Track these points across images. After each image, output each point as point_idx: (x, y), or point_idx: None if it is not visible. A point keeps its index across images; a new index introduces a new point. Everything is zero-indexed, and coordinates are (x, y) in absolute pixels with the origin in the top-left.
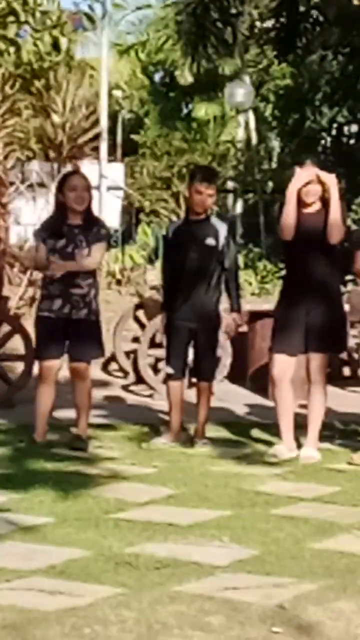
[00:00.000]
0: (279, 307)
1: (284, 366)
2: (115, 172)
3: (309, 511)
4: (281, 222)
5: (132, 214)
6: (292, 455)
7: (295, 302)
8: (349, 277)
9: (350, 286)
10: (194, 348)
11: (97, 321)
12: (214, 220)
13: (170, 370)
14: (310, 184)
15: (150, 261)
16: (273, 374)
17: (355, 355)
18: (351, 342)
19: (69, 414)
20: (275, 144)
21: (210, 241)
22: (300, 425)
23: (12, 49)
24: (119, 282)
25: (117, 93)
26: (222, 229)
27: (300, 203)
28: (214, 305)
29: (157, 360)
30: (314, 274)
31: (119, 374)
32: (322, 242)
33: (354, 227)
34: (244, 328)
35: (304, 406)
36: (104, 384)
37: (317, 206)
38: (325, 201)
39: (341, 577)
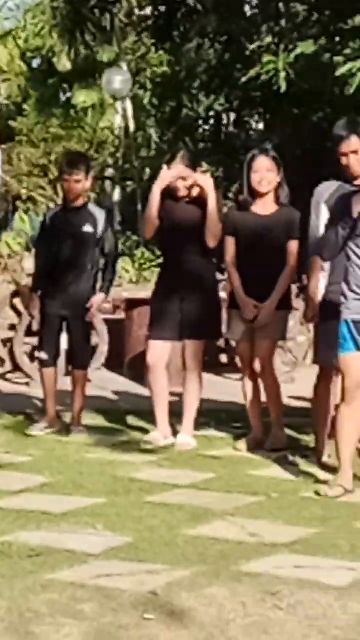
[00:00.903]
0: (155, 295)
1: (159, 353)
2: None
3: (184, 498)
4: (145, 217)
5: (8, 201)
6: (168, 443)
7: (171, 290)
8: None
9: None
10: (68, 336)
11: None
12: (92, 207)
13: (44, 357)
14: (180, 180)
15: (28, 249)
16: (148, 361)
17: (232, 343)
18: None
19: None
20: (154, 131)
21: (87, 228)
22: (177, 412)
23: None
24: None
25: None
26: (101, 216)
27: (175, 192)
28: (88, 294)
29: (34, 348)
30: (188, 262)
31: None
32: (197, 231)
33: None
34: (121, 315)
35: (180, 394)
36: None
37: (190, 197)
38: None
39: (214, 563)
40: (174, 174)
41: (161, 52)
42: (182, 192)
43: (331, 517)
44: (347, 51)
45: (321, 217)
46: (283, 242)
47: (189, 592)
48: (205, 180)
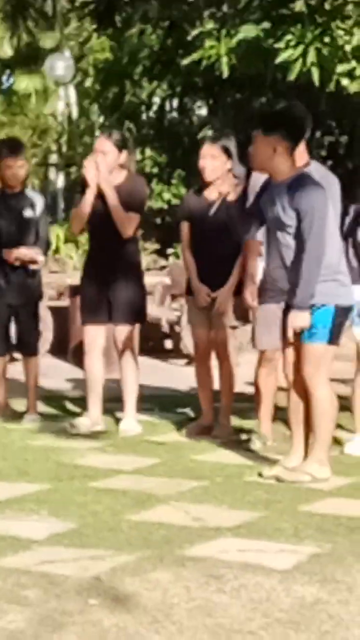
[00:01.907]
0: (83, 280)
1: (93, 336)
2: None
3: (128, 483)
4: (74, 217)
5: None
6: (98, 428)
7: (98, 275)
8: (170, 251)
9: (171, 260)
10: (16, 323)
11: None
12: (29, 191)
13: None
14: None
15: None
16: (85, 345)
17: (177, 328)
18: (172, 315)
19: None
20: (97, 117)
21: (28, 213)
22: (117, 398)
23: None
24: None
25: None
26: (39, 200)
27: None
28: (33, 280)
29: None
30: (114, 248)
31: None
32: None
33: (175, 201)
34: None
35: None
36: None
37: (116, 180)
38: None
39: (158, 547)
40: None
41: (103, 37)
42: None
43: (275, 500)
44: (288, 37)
45: None
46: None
47: (132, 577)
48: (105, 186)
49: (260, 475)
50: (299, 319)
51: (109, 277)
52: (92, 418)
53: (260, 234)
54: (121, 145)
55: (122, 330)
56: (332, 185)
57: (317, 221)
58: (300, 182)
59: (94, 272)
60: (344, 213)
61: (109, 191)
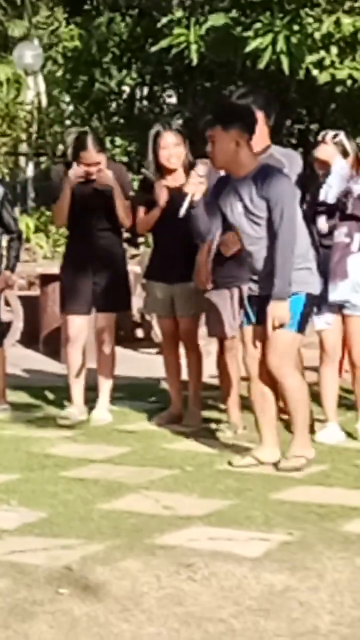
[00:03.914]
0: (64, 269)
1: (78, 327)
2: None
3: (99, 472)
4: (54, 213)
5: None
6: (83, 418)
7: (81, 264)
8: (140, 240)
9: (142, 248)
10: None
11: None
12: None
13: None
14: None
15: None
16: (69, 335)
17: (148, 317)
18: (143, 304)
19: None
20: (67, 106)
21: None
22: (91, 387)
23: None
24: None
25: None
26: None
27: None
28: None
29: None
30: (97, 236)
31: None
32: (105, 205)
33: None
34: (37, 291)
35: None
36: None
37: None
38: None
39: (128, 536)
40: (80, 173)
41: (72, 26)
42: (92, 176)
43: (246, 488)
44: (258, 25)
45: None
46: None
47: (103, 565)
48: (106, 179)
49: (230, 464)
50: (279, 309)
51: (91, 265)
52: (79, 408)
53: None
54: (101, 148)
55: (104, 318)
56: (293, 159)
57: (288, 210)
58: (264, 172)
59: (76, 262)
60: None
61: (115, 184)
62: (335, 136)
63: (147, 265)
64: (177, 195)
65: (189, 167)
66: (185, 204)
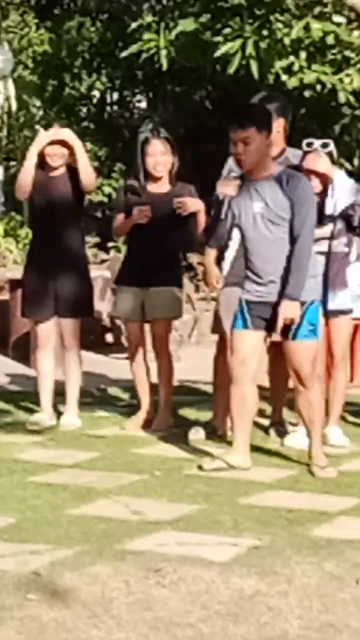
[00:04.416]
0: (27, 273)
1: (48, 333)
2: None
3: (68, 478)
4: (17, 181)
5: None
6: (53, 423)
7: (44, 268)
8: (110, 245)
9: (112, 253)
10: None
11: None
12: None
13: None
14: (53, 145)
15: None
16: (38, 340)
17: (118, 322)
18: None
19: None
20: (37, 111)
21: None
22: (60, 392)
23: None
24: None
25: None
26: None
27: (47, 167)
28: None
29: None
30: (61, 239)
31: None
32: (68, 207)
33: (115, 195)
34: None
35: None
36: None
37: (62, 170)
38: (71, 166)
39: (97, 541)
40: (51, 134)
41: (43, 30)
42: (56, 162)
43: (215, 493)
44: (227, 30)
45: None
46: (181, 219)
47: (72, 571)
48: (72, 137)
49: (200, 467)
50: (290, 309)
51: (54, 270)
52: (48, 413)
53: None
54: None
55: (67, 324)
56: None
57: (312, 213)
58: (288, 174)
59: (38, 265)
60: None
61: (78, 146)
62: (325, 145)
63: (120, 269)
64: (159, 201)
65: (175, 177)
66: (225, 206)
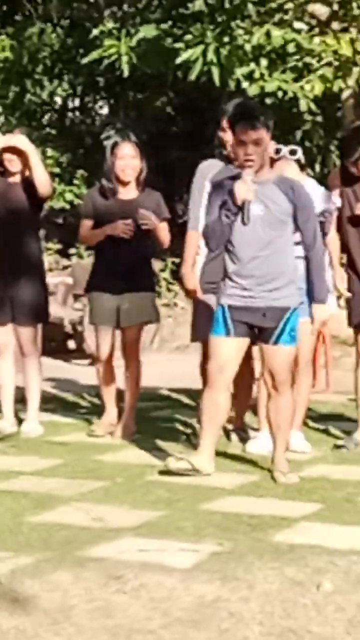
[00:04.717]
0: None
1: (6, 339)
2: None
3: (29, 485)
4: None
5: None
6: (14, 430)
7: (0, 274)
8: (72, 251)
9: (74, 259)
10: None
11: None
12: None
13: None
14: (8, 152)
15: None
16: None
17: (80, 328)
18: (75, 315)
19: None
20: None
21: None
22: (19, 399)
23: None
24: None
25: None
26: None
27: (7, 173)
28: None
29: None
30: (17, 245)
31: None
32: (26, 214)
33: (77, 201)
34: None
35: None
36: None
37: (20, 177)
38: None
39: (59, 549)
40: (7, 138)
41: (4, 36)
42: (14, 167)
43: (176, 499)
44: (188, 37)
45: (204, 194)
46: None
47: (32, 578)
48: (24, 143)
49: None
50: (322, 312)
51: (11, 276)
52: (9, 420)
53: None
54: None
55: (24, 331)
56: None
57: (313, 215)
58: (286, 180)
59: None
60: None
61: (31, 151)
62: (293, 152)
63: (91, 276)
64: (128, 208)
65: (143, 182)
66: (247, 211)
